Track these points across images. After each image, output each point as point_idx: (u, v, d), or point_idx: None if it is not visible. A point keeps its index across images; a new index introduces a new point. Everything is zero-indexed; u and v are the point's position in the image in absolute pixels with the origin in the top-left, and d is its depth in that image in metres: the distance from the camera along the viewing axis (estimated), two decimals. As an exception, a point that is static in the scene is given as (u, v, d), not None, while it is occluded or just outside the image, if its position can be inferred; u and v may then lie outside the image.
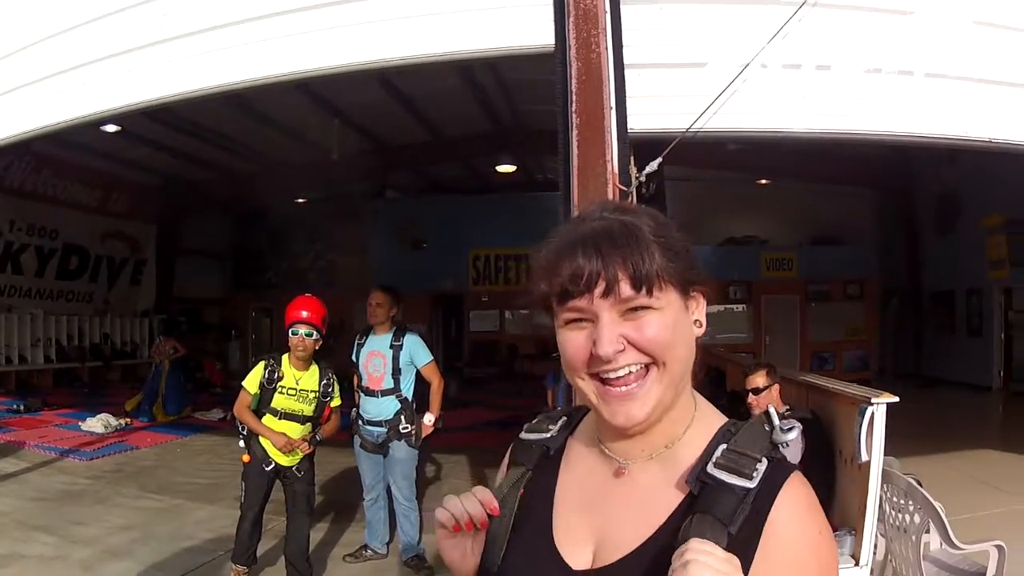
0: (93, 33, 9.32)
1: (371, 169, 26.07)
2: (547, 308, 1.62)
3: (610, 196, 6.44)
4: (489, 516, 1.66)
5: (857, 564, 6.37)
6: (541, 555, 1.66)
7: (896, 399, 6.16)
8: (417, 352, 8.61)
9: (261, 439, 7.37)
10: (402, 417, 8.43)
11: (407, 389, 8.57)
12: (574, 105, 6.64)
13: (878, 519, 6.37)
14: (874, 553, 6.42)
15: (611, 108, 6.59)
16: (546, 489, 1.75)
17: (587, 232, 1.57)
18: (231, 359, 31.26)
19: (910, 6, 6.92)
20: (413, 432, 8.44)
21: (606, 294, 1.51)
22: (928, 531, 6.21)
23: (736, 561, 1.36)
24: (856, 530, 6.42)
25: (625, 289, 1.50)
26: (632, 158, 6.63)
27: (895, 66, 6.92)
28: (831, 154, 20.55)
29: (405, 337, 8.63)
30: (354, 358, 8.78)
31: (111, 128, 18.85)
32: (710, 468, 1.52)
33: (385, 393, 8.51)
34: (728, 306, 27.09)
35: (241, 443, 7.62)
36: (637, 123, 6.68)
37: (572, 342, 1.57)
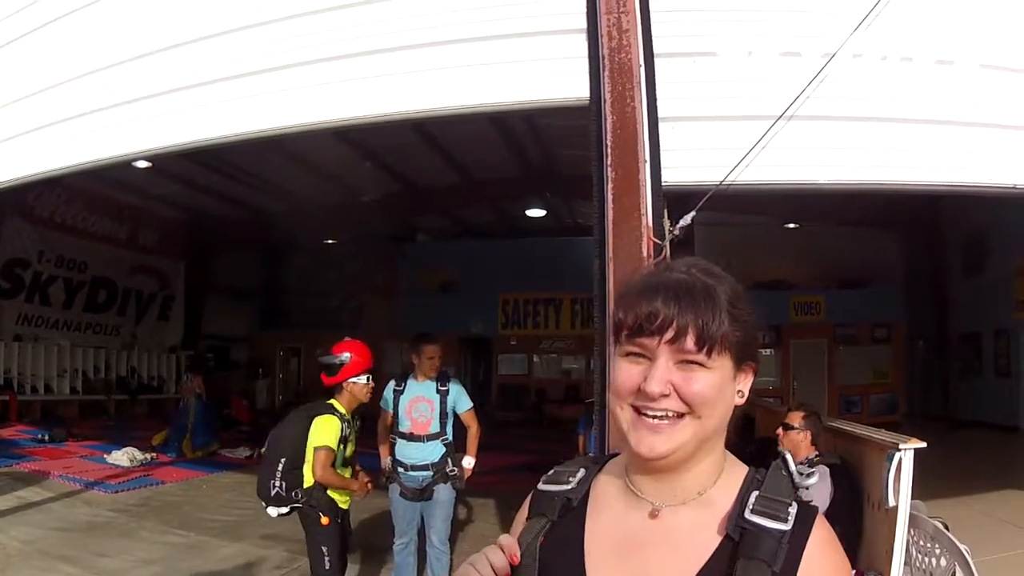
0: (130, 73, 9.36)
1: (401, 211, 26.19)
2: (615, 332, 1.77)
3: (644, 249, 6.45)
4: (513, 566, 1.74)
5: (884, 608, 6.37)
6: None
7: (924, 445, 6.18)
8: (460, 399, 8.68)
9: (330, 492, 7.16)
10: (448, 460, 8.45)
11: (451, 433, 8.62)
12: (609, 159, 6.65)
13: (905, 563, 6.37)
14: (900, 598, 6.42)
15: (645, 161, 6.59)
16: (574, 538, 1.82)
17: (672, 282, 1.72)
18: (258, 397, 31.26)
19: (948, 56, 6.93)
20: (458, 474, 8.47)
21: (672, 341, 1.66)
22: (955, 574, 6.20)
23: None
24: (883, 574, 6.42)
25: (689, 343, 1.66)
26: (665, 210, 6.65)
27: (927, 116, 6.93)
28: (858, 198, 20.53)
29: (450, 383, 8.69)
30: (388, 403, 8.76)
31: (142, 164, 18.98)
32: (748, 515, 1.67)
33: (431, 438, 8.52)
34: (756, 350, 27.00)
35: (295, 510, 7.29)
36: (671, 176, 6.69)
37: (625, 371, 1.72)
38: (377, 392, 8.05)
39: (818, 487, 7.06)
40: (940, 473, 7.57)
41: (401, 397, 8.65)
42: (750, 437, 11.72)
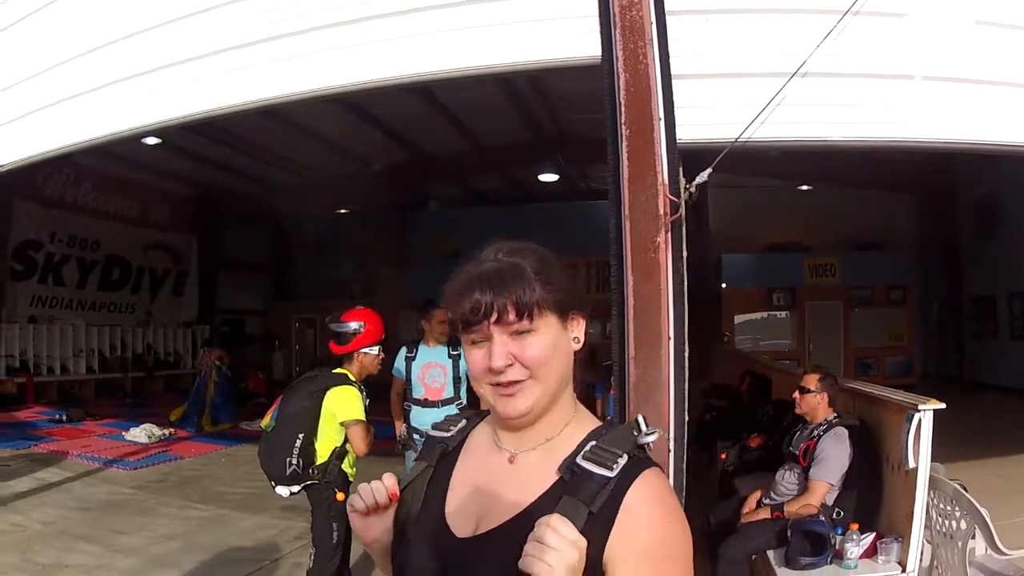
0: (134, 47, 9.32)
1: (412, 180, 26.10)
2: (455, 330, 2.07)
3: (660, 207, 6.40)
4: (392, 499, 2.07)
5: (904, 570, 6.35)
6: (432, 528, 2.03)
7: (943, 406, 6.16)
8: None
9: (344, 466, 7.00)
10: None
11: (465, 398, 8.63)
12: (623, 117, 6.57)
13: (924, 525, 6.34)
14: (920, 560, 6.39)
15: (660, 119, 6.52)
16: (444, 477, 2.13)
17: (482, 272, 1.99)
18: (274, 369, 31.32)
19: (959, 15, 6.84)
20: None
21: (497, 321, 1.92)
22: (974, 537, 6.18)
23: (581, 540, 1.72)
24: (903, 537, 6.41)
25: (511, 317, 1.92)
26: (680, 168, 6.59)
27: (943, 73, 6.85)
28: (871, 159, 20.36)
29: (461, 347, 8.56)
30: (401, 371, 8.78)
31: (151, 140, 18.92)
32: (579, 459, 1.92)
33: (445, 403, 8.57)
34: (772, 313, 26.97)
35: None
36: (685, 133, 6.62)
37: (475, 357, 1.98)
38: (388, 362, 7.92)
39: (836, 449, 7.06)
40: (956, 436, 7.53)
41: (413, 364, 8.74)
42: (766, 399, 11.70)
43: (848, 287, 26.54)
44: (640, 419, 2.04)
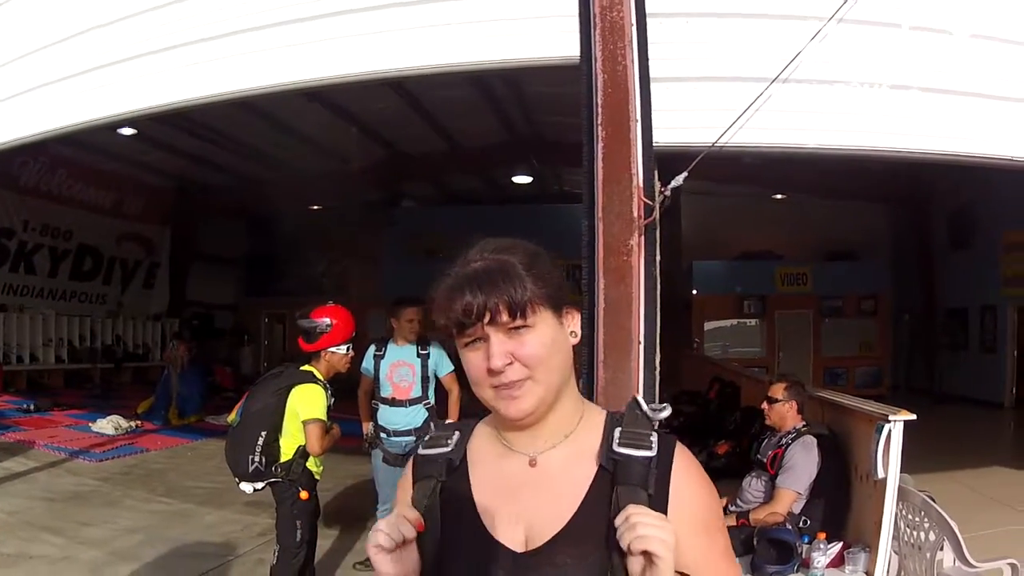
0: (107, 36, 9.27)
1: (387, 178, 26.05)
2: (448, 335, 1.97)
3: (634, 209, 6.39)
4: (419, 531, 1.92)
5: (871, 581, 6.36)
6: (482, 546, 1.93)
7: (913, 417, 6.17)
8: (441, 362, 8.66)
9: (309, 464, 6.91)
10: (431, 425, 8.35)
11: (433, 397, 8.63)
12: (599, 118, 6.56)
13: (893, 536, 6.35)
14: (887, 570, 6.39)
15: (636, 121, 6.50)
16: (463, 493, 2.02)
17: (471, 273, 1.94)
18: (243, 364, 31.18)
19: (943, 25, 6.85)
20: None
21: (491, 321, 1.87)
22: (942, 548, 6.18)
23: (664, 517, 1.73)
24: (871, 547, 6.42)
25: (504, 316, 1.87)
26: (656, 172, 6.58)
27: (920, 83, 6.86)
28: (845, 169, 20.45)
29: (430, 347, 8.66)
30: (369, 370, 8.75)
31: (127, 131, 18.87)
32: (616, 447, 1.91)
33: (413, 402, 8.55)
34: (741, 320, 27.03)
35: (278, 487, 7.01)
36: (662, 137, 6.61)
37: (472, 361, 1.93)
38: (357, 360, 7.91)
39: (804, 457, 7.06)
40: (925, 447, 7.57)
41: (382, 362, 8.68)
42: (735, 406, 11.73)
43: (819, 296, 26.63)
44: (638, 398, 2.08)
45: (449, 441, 2.13)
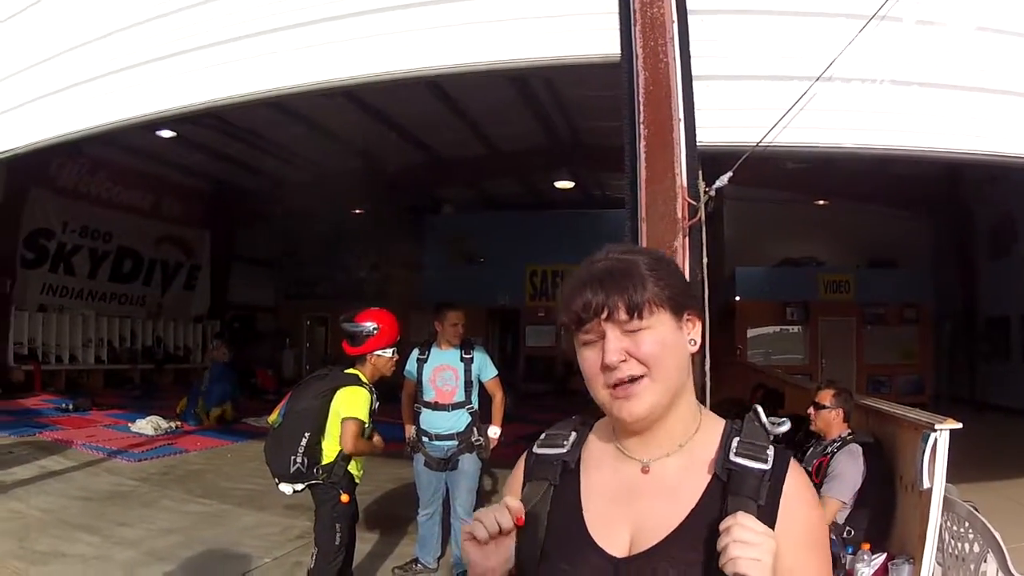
0: (140, 35, 9.30)
1: (426, 182, 26.16)
2: (569, 333, 2.01)
3: (678, 210, 6.29)
4: (517, 526, 1.92)
5: (915, 594, 6.24)
6: (581, 550, 1.95)
7: (959, 425, 6.06)
8: (485, 366, 8.63)
9: (350, 467, 6.88)
10: (474, 429, 8.41)
11: (476, 402, 8.56)
12: (642, 116, 6.46)
13: (936, 548, 6.22)
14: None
15: (679, 120, 6.41)
16: (572, 496, 2.04)
17: (594, 271, 1.97)
18: (284, 367, 31.30)
19: (989, 23, 6.71)
20: (483, 444, 8.41)
21: (608, 319, 1.90)
22: (986, 560, 6.05)
23: (770, 531, 1.73)
24: (914, 558, 6.28)
25: (622, 314, 1.89)
26: (700, 171, 6.47)
27: (968, 82, 6.72)
28: (887, 175, 20.31)
29: (474, 351, 8.62)
30: (413, 373, 8.68)
31: (166, 133, 18.97)
32: (732, 457, 1.91)
33: (456, 407, 8.47)
34: (784, 327, 26.79)
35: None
36: (705, 136, 6.51)
37: (588, 358, 1.95)
38: (401, 364, 7.78)
39: (850, 466, 6.96)
40: (967, 457, 7.40)
41: (425, 366, 8.59)
42: (778, 413, 11.60)
43: (861, 304, 26.41)
44: (758, 409, 2.12)
45: (565, 442, 2.15)
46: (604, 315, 1.89)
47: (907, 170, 18.70)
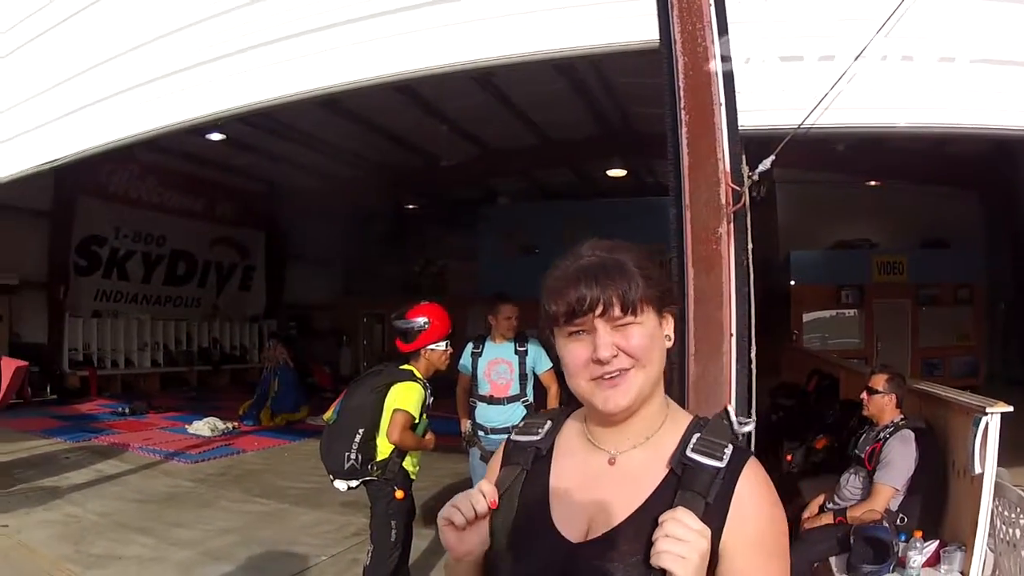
0: (188, 39, 9.37)
1: (479, 174, 26.17)
2: (551, 324, 2.09)
3: (722, 196, 6.24)
4: (492, 509, 2.03)
5: (965, 580, 6.18)
6: (541, 533, 2.05)
7: (1010, 409, 5.97)
8: (540, 359, 8.57)
9: (405, 463, 6.92)
10: None
11: (531, 395, 8.55)
12: (682, 102, 6.40)
13: (988, 534, 6.15)
14: (982, 570, 6.20)
15: (720, 104, 6.34)
16: (541, 482, 2.14)
17: (585, 266, 2.04)
18: (342, 364, 31.36)
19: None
20: None
21: (603, 314, 1.98)
22: (1037, 546, 5.98)
23: (705, 530, 1.80)
24: (966, 545, 6.21)
25: (617, 311, 1.98)
26: (743, 156, 6.41)
27: (1016, 56, 6.59)
28: (938, 154, 20.08)
29: (528, 343, 8.59)
30: (467, 367, 8.70)
31: (215, 136, 19.03)
32: (689, 452, 1.99)
33: (511, 400, 8.47)
34: (840, 311, 26.48)
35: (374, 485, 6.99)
36: (747, 120, 6.43)
37: (574, 351, 2.03)
38: (455, 357, 7.84)
39: (902, 452, 6.88)
40: (1020, 440, 7.29)
41: (479, 359, 8.61)
42: (834, 399, 11.49)
43: (916, 285, 26.09)
44: (729, 409, 2.14)
45: (540, 430, 2.26)
46: (599, 311, 1.97)
47: (959, 149, 18.47)
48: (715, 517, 1.88)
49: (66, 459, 14.12)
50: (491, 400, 8.48)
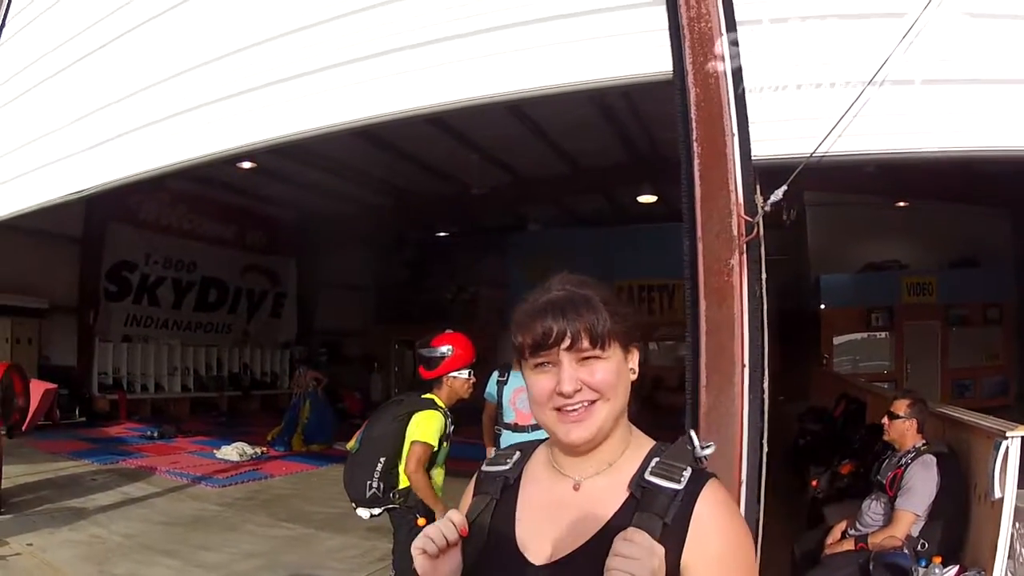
0: (220, 71, 9.46)
1: (510, 202, 26.22)
2: (518, 355, 2.16)
3: (734, 227, 6.25)
4: (462, 537, 2.08)
5: (985, 607, 6.14)
6: (507, 558, 2.12)
7: (1031, 432, 5.94)
8: None
9: None
10: None
11: None
12: (695, 133, 6.43)
13: (1008, 557, 6.12)
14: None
15: (733, 135, 6.35)
16: (509, 509, 2.23)
17: (554, 299, 2.12)
18: (373, 390, 31.37)
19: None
20: None
21: (570, 348, 2.05)
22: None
23: (658, 549, 1.87)
24: (985, 571, 6.18)
25: (585, 344, 2.05)
26: (758, 186, 6.42)
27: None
28: (966, 173, 20.01)
29: None
30: (493, 395, 8.72)
31: (246, 164, 19.16)
32: (647, 475, 2.06)
33: (536, 427, 8.34)
34: (871, 333, 26.30)
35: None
36: (761, 150, 6.42)
37: (539, 383, 2.11)
38: (480, 385, 7.84)
39: (924, 478, 6.85)
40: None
41: (505, 388, 8.64)
42: (861, 424, 11.47)
43: (945, 305, 25.91)
44: (692, 434, 2.18)
45: (509, 460, 2.38)
46: (566, 344, 2.04)
47: (988, 167, 18.43)
48: (673, 538, 1.94)
49: (93, 480, 14.21)
50: (516, 428, 8.46)
